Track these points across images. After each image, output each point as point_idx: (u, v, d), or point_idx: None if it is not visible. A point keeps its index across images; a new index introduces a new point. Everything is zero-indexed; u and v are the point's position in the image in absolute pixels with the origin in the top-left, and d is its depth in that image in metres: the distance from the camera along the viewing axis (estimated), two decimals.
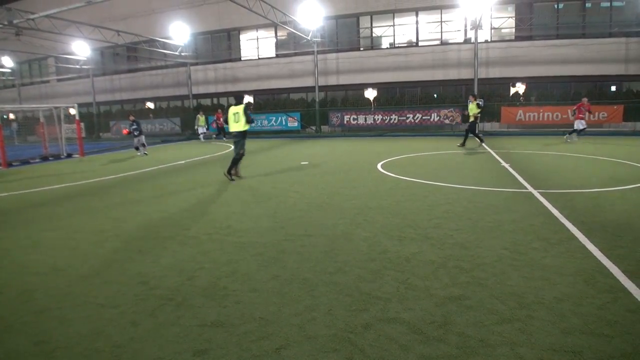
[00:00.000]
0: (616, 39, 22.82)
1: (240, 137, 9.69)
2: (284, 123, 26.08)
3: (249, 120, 9.55)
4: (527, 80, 24.28)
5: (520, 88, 24.52)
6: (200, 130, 24.71)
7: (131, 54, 32.45)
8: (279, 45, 28.79)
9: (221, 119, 23.82)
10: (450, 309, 3.41)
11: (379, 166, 11.36)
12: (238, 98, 10.00)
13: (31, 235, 6.06)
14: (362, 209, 6.74)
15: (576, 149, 14.39)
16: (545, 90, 24.37)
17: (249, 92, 29.61)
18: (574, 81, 23.95)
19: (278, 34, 28.70)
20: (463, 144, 15.78)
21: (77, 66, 31.84)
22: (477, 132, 16.29)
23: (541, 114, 22.22)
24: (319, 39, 25.72)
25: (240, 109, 9.51)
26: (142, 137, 17.40)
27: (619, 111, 21.42)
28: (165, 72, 31.92)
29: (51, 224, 6.67)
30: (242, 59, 29.78)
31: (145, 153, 17.30)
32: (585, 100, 17.45)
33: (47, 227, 6.49)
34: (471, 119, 15.64)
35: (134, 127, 17.01)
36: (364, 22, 26.82)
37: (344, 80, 26.66)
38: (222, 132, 24.35)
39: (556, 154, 13.29)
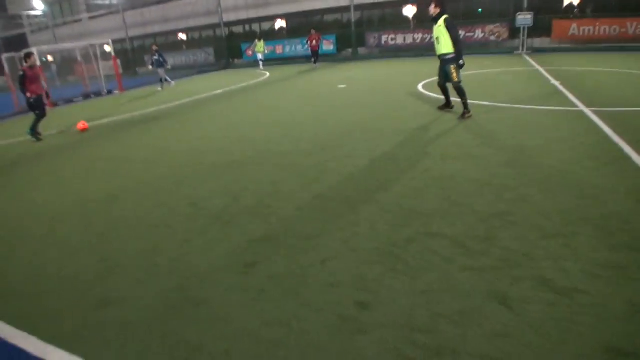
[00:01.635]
0: None
1: (447, 63, 7.19)
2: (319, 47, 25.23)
3: (454, 37, 6.88)
4: None
5: None
6: (259, 56, 22.90)
7: None
8: None
9: (315, 41, 20.30)
10: (494, 224, 3.41)
11: (419, 87, 10.97)
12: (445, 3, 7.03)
13: (85, 166, 6.39)
14: (404, 130, 6.62)
15: (632, 65, 13.28)
16: (602, 0, 22.11)
17: (281, 17, 28.55)
18: None
19: None
20: None
21: (107, 2, 31.37)
22: None
23: (597, 28, 20.34)
24: None
25: (442, 22, 6.91)
26: (163, 71, 16.62)
27: None
28: (195, 0, 31.04)
29: (102, 155, 6.99)
30: None
31: (161, 88, 16.65)
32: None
33: (98, 157, 6.82)
34: None
35: (155, 57, 16.34)
36: None
37: None
38: (316, 55, 20.89)
39: (612, 70, 12.33)
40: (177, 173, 5.49)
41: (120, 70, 21.70)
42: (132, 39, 34.88)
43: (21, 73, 8.92)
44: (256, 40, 22.89)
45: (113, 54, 18.89)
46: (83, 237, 3.87)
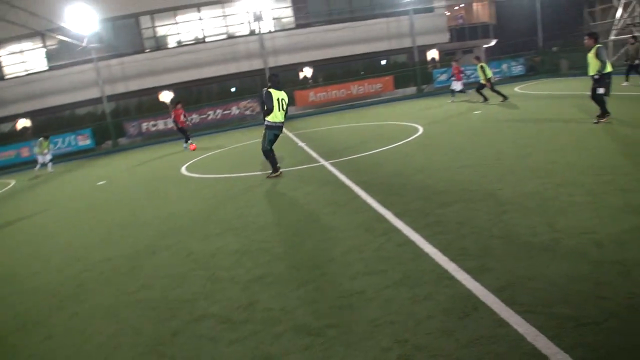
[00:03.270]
0: (379, 20, 26.47)
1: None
2: (73, 143, 23.12)
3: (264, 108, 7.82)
4: (313, 64, 26.45)
5: (308, 72, 26.58)
6: (44, 158, 17.09)
7: None
8: (51, 56, 25.20)
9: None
10: (254, 289, 3.62)
11: (183, 169, 11.08)
12: (275, 80, 7.87)
13: None
14: (167, 218, 6.50)
15: (357, 119, 16.36)
16: (330, 70, 26.97)
17: (22, 115, 25.38)
18: (352, 60, 27.04)
19: (47, 44, 25.10)
20: (503, 98, 14.20)
21: None
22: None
23: (329, 93, 24.57)
24: (97, 45, 23.28)
25: (284, 94, 7.88)
26: None
27: (390, 81, 25.05)
28: None
29: None
30: (6, 77, 25.20)
31: None
32: (454, 64, 17.22)
33: None
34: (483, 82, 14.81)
35: None
36: (145, 22, 25.41)
37: (134, 85, 24.91)
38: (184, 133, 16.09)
39: (343, 126, 14.93)
40: None
41: None
42: None
43: None
44: (41, 139, 17.10)
45: None
46: None
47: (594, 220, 3.88)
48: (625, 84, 14.04)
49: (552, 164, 5.95)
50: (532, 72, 25.48)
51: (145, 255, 5.00)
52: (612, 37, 25.92)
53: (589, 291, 2.82)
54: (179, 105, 16.21)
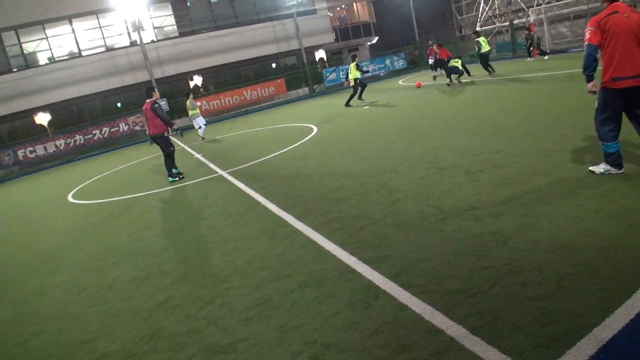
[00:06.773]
0: (264, 24, 26.48)
1: None
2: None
3: None
4: (202, 72, 25.71)
5: (198, 80, 25.81)
6: (200, 121, 15.27)
7: None
8: None
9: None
10: (158, 316, 3.44)
11: (70, 197, 10.10)
12: None
13: None
14: (54, 254, 5.89)
15: (251, 125, 16.28)
16: (220, 78, 26.45)
17: None
18: (242, 65, 26.79)
19: None
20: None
21: None
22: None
23: (222, 100, 24.10)
24: None
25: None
26: None
27: (282, 83, 25.28)
28: None
29: None
30: None
31: None
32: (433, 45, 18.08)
33: None
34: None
35: None
36: (9, 38, 22.73)
37: (4, 110, 22.03)
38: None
39: (238, 133, 14.76)
40: None
41: None
42: None
43: (157, 105, 8.53)
44: (188, 101, 15.27)
45: None
46: None
47: (474, 198, 4.28)
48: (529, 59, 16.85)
49: (435, 149, 6.45)
50: (412, 65, 27.37)
51: (32, 299, 4.49)
52: (478, 28, 28.87)
53: (474, 263, 3.11)
54: (435, 45, 17.73)
